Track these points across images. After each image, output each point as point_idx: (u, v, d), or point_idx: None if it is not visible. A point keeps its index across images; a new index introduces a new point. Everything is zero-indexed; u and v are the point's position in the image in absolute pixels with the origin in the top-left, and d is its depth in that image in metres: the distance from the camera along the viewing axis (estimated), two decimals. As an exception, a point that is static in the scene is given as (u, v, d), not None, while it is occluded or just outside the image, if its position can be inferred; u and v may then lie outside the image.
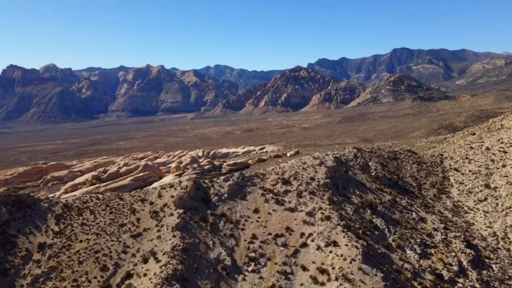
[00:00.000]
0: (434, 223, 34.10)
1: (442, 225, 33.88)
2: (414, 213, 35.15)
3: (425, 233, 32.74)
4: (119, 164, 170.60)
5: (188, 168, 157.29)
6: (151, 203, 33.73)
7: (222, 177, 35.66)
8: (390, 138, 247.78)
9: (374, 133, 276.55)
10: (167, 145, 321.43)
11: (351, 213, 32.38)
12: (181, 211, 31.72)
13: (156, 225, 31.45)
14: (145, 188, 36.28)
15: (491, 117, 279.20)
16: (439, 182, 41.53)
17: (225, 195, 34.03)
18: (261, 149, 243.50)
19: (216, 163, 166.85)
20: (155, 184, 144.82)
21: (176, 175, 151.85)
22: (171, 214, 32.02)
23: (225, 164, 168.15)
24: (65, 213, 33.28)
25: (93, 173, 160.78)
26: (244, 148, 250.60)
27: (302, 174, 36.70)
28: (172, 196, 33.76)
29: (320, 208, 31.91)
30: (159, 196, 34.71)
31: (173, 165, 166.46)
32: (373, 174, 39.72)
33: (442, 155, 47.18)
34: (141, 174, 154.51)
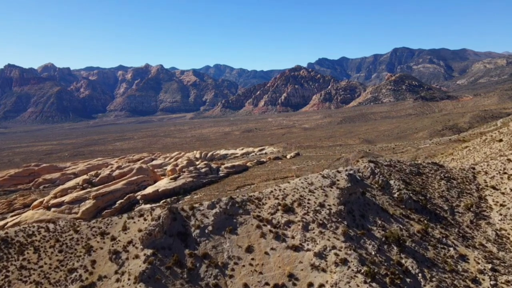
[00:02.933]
0: (478, 263, 26.50)
1: (489, 265, 26.32)
2: (451, 248, 27.52)
3: (470, 277, 25.13)
4: (112, 167, 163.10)
5: (184, 171, 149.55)
6: (113, 238, 25.97)
7: (206, 203, 27.84)
8: (393, 139, 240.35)
9: (376, 134, 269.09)
10: (164, 146, 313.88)
11: (373, 253, 24.73)
12: (149, 252, 23.97)
13: (116, 272, 23.69)
14: (108, 218, 28.47)
15: (496, 118, 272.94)
16: (475, 204, 33.86)
17: (210, 228, 26.24)
18: (260, 150, 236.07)
19: (214, 165, 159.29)
20: (149, 189, 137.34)
21: (171, 179, 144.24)
22: (136, 256, 24.21)
23: (222, 166, 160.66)
24: (1, 251, 25.56)
25: (84, 176, 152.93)
26: (243, 149, 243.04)
27: (309, 199, 28.92)
28: (139, 230, 25.94)
29: (333, 247, 24.22)
30: (124, 228, 26.83)
31: (168, 167, 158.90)
32: (396, 195, 32.00)
33: (474, 168, 39.58)
34: (135, 177, 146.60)
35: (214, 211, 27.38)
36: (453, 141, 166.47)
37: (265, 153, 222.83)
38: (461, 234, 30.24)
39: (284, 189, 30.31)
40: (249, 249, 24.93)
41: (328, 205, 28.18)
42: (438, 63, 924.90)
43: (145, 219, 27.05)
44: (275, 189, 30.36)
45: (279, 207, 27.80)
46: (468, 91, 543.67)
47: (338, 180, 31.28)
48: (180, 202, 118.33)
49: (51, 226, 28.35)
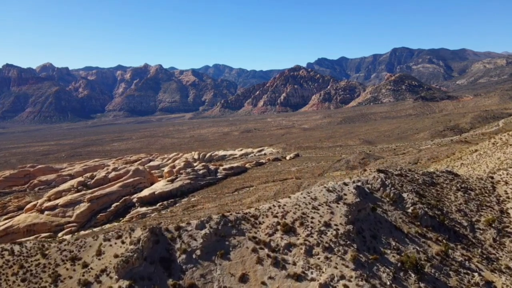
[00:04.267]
0: (507, 291, 23.01)
1: (520, 294, 22.83)
2: (476, 273, 23.96)
3: (499, 310, 21.65)
4: (107, 169, 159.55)
5: (181, 173, 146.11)
6: (85, 265, 22.22)
7: (194, 222, 24.05)
8: (394, 140, 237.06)
9: (376, 134, 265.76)
10: (162, 147, 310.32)
11: (388, 283, 21.09)
12: (125, 284, 20.20)
13: (86, 308, 20.06)
14: (82, 239, 24.76)
15: (498, 118, 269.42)
16: (497, 219, 30.33)
17: (198, 252, 22.50)
18: (260, 151, 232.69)
19: (212, 167, 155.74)
20: (145, 191, 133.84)
21: (168, 181, 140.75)
22: (110, 289, 20.56)
23: (221, 168, 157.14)
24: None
25: (79, 179, 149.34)
26: (241, 150, 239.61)
27: (312, 217, 25.23)
28: (116, 256, 22.19)
29: (342, 277, 20.60)
30: (99, 253, 23.07)
31: (165, 169, 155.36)
32: (410, 210, 28.33)
33: (492, 177, 36.06)
34: (131, 179, 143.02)
35: (203, 231, 23.64)
36: (455, 142, 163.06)
37: (264, 154, 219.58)
38: (484, 256, 26.66)
39: (284, 205, 26.60)
40: (244, 278, 21.30)
41: (335, 225, 24.52)
42: (437, 63, 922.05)
43: (123, 242, 23.35)
44: (273, 205, 26.60)
45: (279, 227, 24.14)
46: (468, 91, 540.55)
47: (345, 195, 27.59)
48: (177, 205, 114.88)
49: (16, 248, 24.65)
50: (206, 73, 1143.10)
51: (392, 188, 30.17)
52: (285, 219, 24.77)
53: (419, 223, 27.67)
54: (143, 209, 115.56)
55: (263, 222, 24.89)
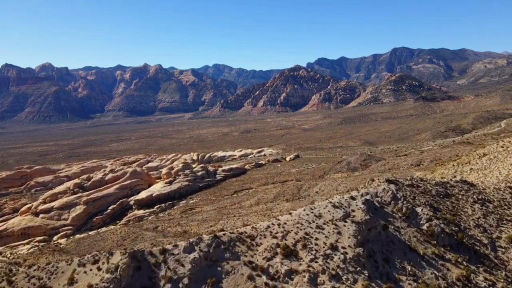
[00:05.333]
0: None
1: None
2: (502, 302, 21.08)
3: None
4: (104, 171, 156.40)
5: (179, 175, 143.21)
6: (55, 296, 19.29)
7: (182, 245, 20.87)
8: (395, 140, 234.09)
9: (377, 135, 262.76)
10: (161, 147, 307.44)
11: (405, 318, 18.20)
12: (98, 322, 17.30)
13: None
14: (54, 264, 21.71)
15: (500, 119, 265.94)
16: (520, 236, 27.41)
17: (185, 281, 19.31)
18: (259, 152, 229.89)
19: (211, 168, 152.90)
20: (142, 193, 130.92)
21: (166, 183, 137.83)
22: (81, 328, 17.54)
23: (220, 169, 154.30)
24: None
25: (76, 180, 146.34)
26: (241, 151, 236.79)
27: (317, 238, 22.11)
28: (90, 286, 19.12)
29: (352, 311, 17.69)
30: (71, 282, 19.72)
31: (163, 171, 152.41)
32: (424, 227, 25.22)
33: (511, 187, 33.16)
34: (128, 181, 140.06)
35: (192, 256, 20.55)
36: (457, 143, 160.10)
37: (264, 155, 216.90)
38: (509, 279, 23.71)
39: (285, 223, 23.47)
40: (238, 312, 18.36)
41: (343, 247, 21.47)
42: (438, 63, 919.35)
43: (99, 269, 20.21)
44: (272, 224, 23.44)
45: (278, 250, 21.09)
46: (469, 91, 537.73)
47: (353, 211, 24.49)
48: (175, 207, 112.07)
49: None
50: (206, 73, 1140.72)
51: (405, 202, 27.12)
52: (286, 240, 21.74)
53: (435, 242, 24.66)
54: (141, 211, 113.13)
55: (261, 243, 21.86)
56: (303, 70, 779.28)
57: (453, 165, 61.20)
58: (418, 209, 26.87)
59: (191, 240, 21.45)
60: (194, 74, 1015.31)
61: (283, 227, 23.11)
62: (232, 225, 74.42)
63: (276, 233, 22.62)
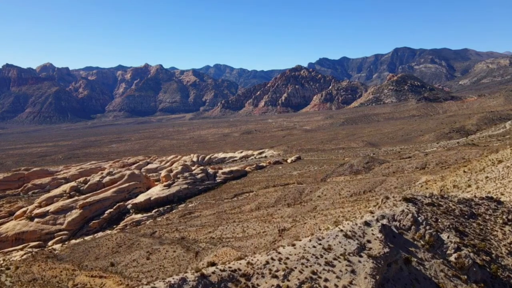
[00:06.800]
0: None
1: None
2: None
3: None
4: (102, 173, 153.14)
5: (178, 177, 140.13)
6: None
7: (161, 286, 17.34)
8: (398, 142, 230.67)
9: (379, 136, 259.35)
10: (161, 148, 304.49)
11: None
12: None
13: None
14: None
15: (504, 120, 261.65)
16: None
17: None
18: (260, 153, 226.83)
19: (210, 170, 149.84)
20: (140, 197, 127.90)
21: (165, 186, 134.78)
22: None
23: (220, 171, 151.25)
24: None
25: (72, 183, 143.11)
26: (242, 152, 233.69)
27: (326, 279, 18.69)
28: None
29: None
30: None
31: (162, 173, 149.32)
32: (452, 259, 21.31)
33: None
34: (126, 184, 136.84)
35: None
36: (462, 145, 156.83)
37: (265, 156, 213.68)
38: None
39: (287, 258, 19.96)
40: None
41: (357, 291, 17.93)
42: (439, 63, 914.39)
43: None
44: (272, 258, 20.20)
45: (279, 294, 17.60)
46: (472, 92, 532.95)
47: (368, 242, 20.76)
48: (173, 211, 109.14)
49: None
50: (206, 73, 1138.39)
51: (427, 227, 23.44)
52: (288, 281, 18.02)
53: (466, 276, 21.19)
54: (138, 216, 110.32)
55: (258, 285, 18.28)
56: (305, 70, 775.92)
57: (464, 171, 58.09)
58: (444, 236, 23.31)
59: (172, 281, 17.97)
60: (195, 74, 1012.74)
61: (285, 263, 19.51)
62: (231, 231, 71.46)
63: (277, 271, 19.12)
